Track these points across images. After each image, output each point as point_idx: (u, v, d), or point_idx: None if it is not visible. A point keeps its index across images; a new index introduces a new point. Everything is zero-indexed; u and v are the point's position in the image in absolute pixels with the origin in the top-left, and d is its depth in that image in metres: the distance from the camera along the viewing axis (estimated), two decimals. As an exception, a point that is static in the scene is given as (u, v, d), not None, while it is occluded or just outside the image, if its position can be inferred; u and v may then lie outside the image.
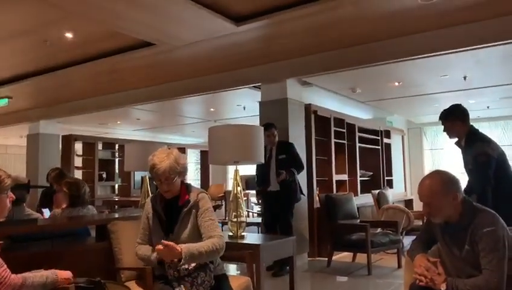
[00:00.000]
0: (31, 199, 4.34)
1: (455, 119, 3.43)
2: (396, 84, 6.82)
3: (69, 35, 4.92)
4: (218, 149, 3.41)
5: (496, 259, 2.03)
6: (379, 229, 5.70)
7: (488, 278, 2.02)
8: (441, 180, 2.18)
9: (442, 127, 3.53)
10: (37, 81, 6.72)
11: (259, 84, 5.98)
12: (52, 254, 2.83)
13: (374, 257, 5.20)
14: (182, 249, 2.17)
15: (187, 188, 2.48)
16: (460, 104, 3.51)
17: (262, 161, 3.64)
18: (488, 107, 8.69)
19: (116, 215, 3.65)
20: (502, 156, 3.32)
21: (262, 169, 5.13)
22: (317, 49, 5.21)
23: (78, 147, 10.26)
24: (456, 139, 3.49)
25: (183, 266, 2.24)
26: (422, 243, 2.38)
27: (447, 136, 3.57)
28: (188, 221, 2.39)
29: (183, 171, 2.44)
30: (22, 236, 2.97)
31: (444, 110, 3.49)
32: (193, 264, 2.26)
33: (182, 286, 2.21)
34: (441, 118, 3.51)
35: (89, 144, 10.14)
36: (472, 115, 9.93)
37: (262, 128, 3.78)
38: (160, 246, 2.18)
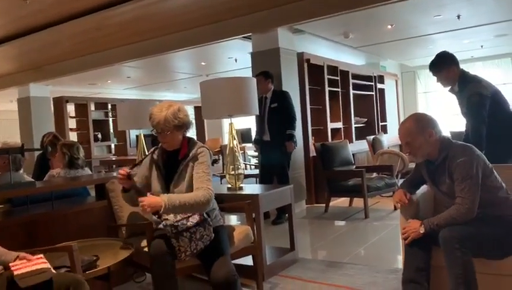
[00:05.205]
0: (27, 164, 4.33)
1: (446, 66, 3.36)
2: (389, 27, 6.69)
3: (49, -8, 4.72)
4: (211, 103, 3.38)
5: (467, 187, 2.16)
6: (374, 174, 5.80)
7: (460, 205, 2.17)
8: (415, 120, 2.35)
9: (435, 78, 3.48)
10: (22, 43, 6.52)
11: (250, 34, 5.84)
12: (53, 215, 2.88)
13: (370, 201, 5.32)
14: (162, 199, 2.21)
15: (189, 142, 2.50)
16: (446, 51, 3.45)
17: (257, 113, 3.63)
18: (481, 46, 8.58)
19: (114, 174, 3.68)
20: (496, 94, 3.31)
21: (258, 118, 5.12)
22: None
23: (71, 108, 10.16)
24: (449, 87, 3.46)
25: (179, 223, 2.25)
26: (409, 184, 2.56)
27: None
28: (186, 174, 2.41)
29: (181, 126, 2.43)
30: (21, 200, 3.00)
31: (432, 60, 3.43)
32: (193, 220, 2.28)
33: (180, 240, 2.24)
34: (431, 68, 3.45)
35: (81, 105, 10.04)
36: (466, 56, 9.83)
37: (255, 79, 3.72)
38: (141, 201, 2.22)
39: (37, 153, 5.00)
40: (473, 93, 3.22)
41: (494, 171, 2.29)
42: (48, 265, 1.77)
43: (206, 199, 2.30)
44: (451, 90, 3.47)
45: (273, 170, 5.12)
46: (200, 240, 2.28)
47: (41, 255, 1.84)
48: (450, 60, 3.37)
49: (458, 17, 6.18)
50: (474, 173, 2.17)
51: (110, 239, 2.65)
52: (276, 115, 5.02)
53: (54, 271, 1.76)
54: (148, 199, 2.24)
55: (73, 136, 9.70)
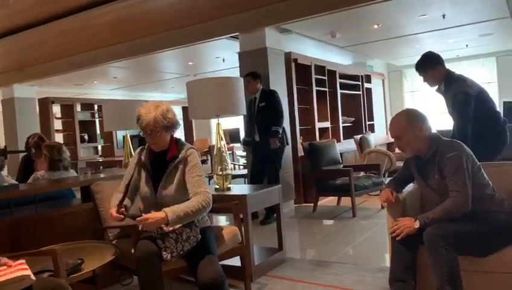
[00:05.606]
0: (12, 166, 4.26)
1: (431, 66, 3.40)
2: (376, 26, 6.72)
3: (32, -9, 4.65)
4: (198, 104, 3.36)
5: (460, 180, 2.18)
6: (362, 173, 5.82)
7: (455, 198, 2.18)
8: (405, 115, 2.40)
9: (422, 78, 3.51)
10: (5, 43, 6.40)
11: (237, 34, 5.82)
12: (37, 218, 2.83)
13: (357, 200, 5.35)
14: (166, 213, 2.15)
15: (177, 143, 2.47)
16: (432, 51, 3.49)
17: (244, 113, 3.62)
18: (467, 45, 8.68)
19: (102, 176, 3.65)
20: (481, 93, 3.35)
21: (248, 119, 5.12)
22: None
23: (56, 109, 10.02)
24: (437, 87, 3.50)
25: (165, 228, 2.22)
26: (396, 182, 2.59)
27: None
28: (175, 176, 2.39)
29: (170, 126, 2.40)
30: (4, 203, 2.94)
31: (418, 61, 3.47)
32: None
33: (166, 242, 2.22)
34: (417, 68, 3.49)
35: (67, 106, 9.91)
36: (451, 55, 9.90)
37: (242, 79, 3.72)
38: (141, 218, 2.15)
39: (21, 155, 4.92)
40: (458, 92, 3.26)
41: (482, 168, 2.32)
42: (28, 272, 1.72)
43: (207, 203, 2.30)
44: (438, 90, 3.51)
45: (264, 170, 5.11)
46: (186, 241, 2.26)
47: (23, 261, 1.80)
48: (436, 60, 3.40)
49: (443, 16, 6.24)
50: (465, 167, 2.21)
51: (95, 242, 2.61)
52: (264, 114, 5.01)
53: (33, 278, 1.72)
54: (152, 217, 2.15)
55: (59, 138, 9.57)
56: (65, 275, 1.95)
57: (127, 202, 2.40)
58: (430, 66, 3.40)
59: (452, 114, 3.39)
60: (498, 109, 3.53)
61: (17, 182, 3.55)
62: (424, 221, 2.21)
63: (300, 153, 5.96)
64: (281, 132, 5.03)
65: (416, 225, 2.21)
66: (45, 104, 9.39)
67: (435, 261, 2.10)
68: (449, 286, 2.05)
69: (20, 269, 1.73)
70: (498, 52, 9.69)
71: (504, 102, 6.34)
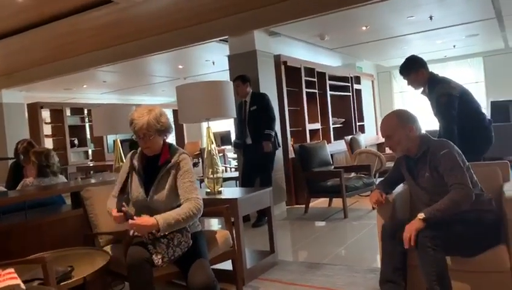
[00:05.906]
0: (1, 173, 4.21)
1: (414, 70, 3.44)
2: (364, 28, 6.77)
3: (19, -4, 4.62)
4: (187, 107, 3.36)
5: (460, 173, 2.22)
6: (353, 174, 5.85)
7: (459, 189, 2.19)
8: (396, 115, 2.45)
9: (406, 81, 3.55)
10: (-8, 48, 6.36)
11: (227, 37, 5.83)
12: (27, 225, 2.81)
13: (349, 201, 5.37)
14: (157, 220, 2.16)
15: (169, 147, 2.47)
16: (414, 54, 3.55)
17: (234, 116, 3.62)
18: (454, 46, 8.76)
19: (91, 181, 3.62)
20: (464, 94, 3.39)
21: (239, 122, 5.12)
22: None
23: (46, 114, 9.94)
24: (421, 89, 3.54)
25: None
26: (386, 183, 2.62)
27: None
28: (166, 181, 2.38)
29: (164, 130, 2.41)
30: (-8, 210, 2.92)
31: (401, 64, 3.51)
32: None
33: (158, 247, 2.22)
34: (401, 72, 3.53)
35: (57, 111, 9.84)
36: (439, 55, 9.97)
37: (231, 82, 3.72)
38: (133, 222, 2.17)
39: (11, 162, 4.87)
40: (441, 94, 3.31)
41: (471, 168, 2.35)
42: (17, 281, 1.70)
43: (197, 210, 2.30)
44: (423, 93, 3.55)
45: (256, 173, 5.11)
46: (177, 246, 2.26)
47: (12, 270, 1.78)
48: (418, 63, 3.44)
49: (430, 18, 6.31)
50: (459, 162, 2.25)
51: (86, 248, 2.59)
52: (256, 118, 5.02)
53: (23, 287, 1.70)
54: (142, 222, 2.17)
55: (49, 143, 9.49)
56: (55, 283, 1.93)
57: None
58: (413, 69, 3.44)
59: (437, 115, 3.43)
60: (483, 110, 3.58)
61: (6, 189, 3.52)
62: (428, 212, 2.19)
63: (291, 155, 5.99)
64: (273, 134, 5.05)
65: (421, 216, 2.19)
66: (34, 109, 9.32)
67: (423, 261, 2.12)
68: (438, 285, 2.07)
69: (9, 278, 1.71)
70: (484, 53, 9.80)
71: (491, 102, 6.41)
